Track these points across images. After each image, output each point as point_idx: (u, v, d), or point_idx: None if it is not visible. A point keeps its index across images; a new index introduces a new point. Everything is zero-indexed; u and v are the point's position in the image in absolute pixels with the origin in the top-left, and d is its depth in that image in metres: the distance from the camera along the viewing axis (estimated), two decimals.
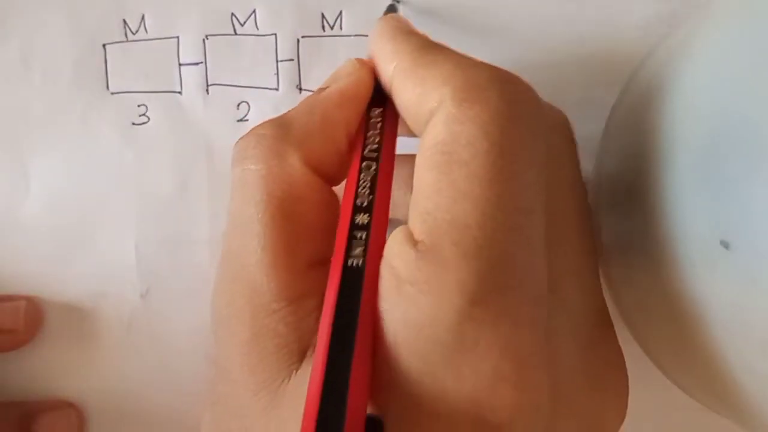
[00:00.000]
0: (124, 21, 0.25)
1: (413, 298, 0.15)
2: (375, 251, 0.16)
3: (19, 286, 0.25)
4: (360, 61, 0.20)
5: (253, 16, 0.25)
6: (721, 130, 0.17)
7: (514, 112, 0.16)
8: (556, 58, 0.25)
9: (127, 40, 0.25)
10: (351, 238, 0.17)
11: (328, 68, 0.25)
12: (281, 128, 0.19)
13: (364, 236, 0.17)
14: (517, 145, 0.16)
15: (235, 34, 0.25)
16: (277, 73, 0.25)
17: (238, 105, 0.25)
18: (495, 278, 0.15)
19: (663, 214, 0.19)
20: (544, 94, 0.25)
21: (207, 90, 0.25)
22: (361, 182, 0.18)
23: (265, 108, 0.25)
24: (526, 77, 0.25)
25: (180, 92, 0.25)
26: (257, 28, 0.25)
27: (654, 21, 0.24)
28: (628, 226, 0.20)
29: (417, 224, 0.16)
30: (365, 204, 0.18)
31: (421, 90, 0.18)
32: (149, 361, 0.25)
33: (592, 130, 0.24)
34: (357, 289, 0.16)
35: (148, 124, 0.25)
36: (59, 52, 0.25)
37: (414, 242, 0.16)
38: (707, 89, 0.18)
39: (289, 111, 0.20)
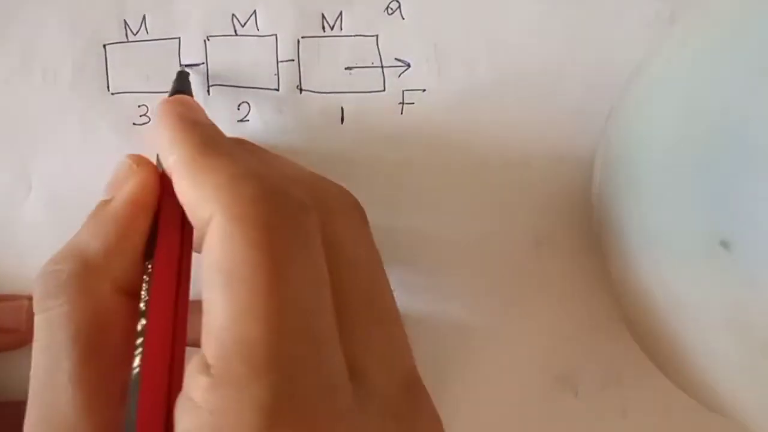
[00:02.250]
0: (125, 21, 0.25)
1: (214, 426, 0.15)
2: (151, 359, 0.17)
3: (19, 286, 0.25)
4: (136, 159, 0.20)
5: (253, 16, 0.25)
6: (720, 130, 0.17)
7: (283, 222, 0.17)
8: (556, 58, 0.25)
9: (128, 41, 0.25)
10: (135, 350, 0.17)
11: (328, 68, 0.25)
12: (78, 259, 0.18)
13: (140, 342, 0.17)
14: (291, 252, 0.17)
15: (236, 34, 0.25)
16: (278, 74, 0.25)
17: (239, 105, 0.25)
18: (290, 388, 0.15)
19: (663, 214, 0.19)
20: (544, 93, 0.25)
21: (208, 90, 0.25)
22: (144, 284, 0.18)
23: (265, 108, 0.25)
24: (526, 77, 0.25)
25: None
26: (258, 29, 0.25)
27: (654, 21, 0.24)
28: (627, 225, 0.20)
29: (208, 349, 0.16)
30: (143, 307, 0.18)
31: (195, 195, 0.18)
32: None
33: (591, 130, 0.25)
34: (134, 404, 0.16)
35: (149, 124, 0.25)
36: (60, 52, 0.25)
37: (206, 367, 0.16)
38: (707, 89, 0.18)
39: (77, 236, 0.19)
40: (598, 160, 0.23)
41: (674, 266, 0.18)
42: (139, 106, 0.25)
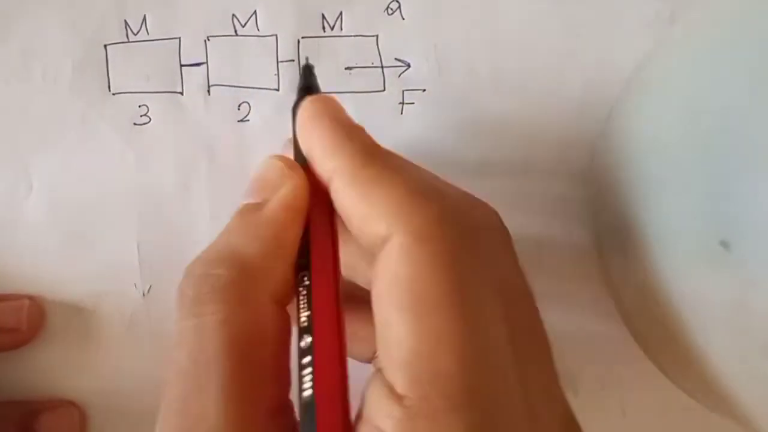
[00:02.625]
0: (126, 22, 0.25)
1: None
2: (324, 379, 0.16)
3: (20, 286, 0.25)
4: (287, 162, 0.19)
5: (253, 16, 0.25)
6: (720, 130, 0.17)
7: (469, 243, 0.16)
8: (556, 57, 0.25)
9: (129, 41, 0.25)
10: (300, 368, 0.16)
11: (328, 68, 0.25)
12: (236, 264, 0.17)
13: (309, 360, 0.16)
14: (479, 276, 0.16)
15: (236, 34, 0.25)
16: (278, 74, 0.25)
17: (239, 105, 0.25)
18: (485, 423, 0.15)
19: (663, 214, 0.19)
20: (544, 93, 0.25)
21: (208, 90, 0.25)
22: (300, 297, 0.17)
23: (265, 108, 0.25)
24: (525, 77, 0.25)
25: (181, 93, 0.25)
26: (258, 29, 0.25)
27: (654, 21, 0.24)
28: (628, 226, 0.20)
29: (397, 377, 0.15)
30: (305, 322, 0.17)
31: (367, 210, 0.17)
32: (150, 360, 0.25)
33: (591, 130, 0.24)
34: (310, 427, 0.15)
35: (150, 124, 0.25)
36: (60, 53, 0.25)
37: (398, 397, 0.15)
38: (707, 89, 0.18)
39: (228, 238, 0.18)
40: (598, 160, 0.23)
41: (674, 266, 0.18)
42: (139, 106, 0.25)
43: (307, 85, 0.22)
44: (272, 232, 0.18)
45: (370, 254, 0.17)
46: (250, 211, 0.19)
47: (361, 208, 0.17)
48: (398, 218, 0.16)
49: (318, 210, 0.19)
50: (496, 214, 0.19)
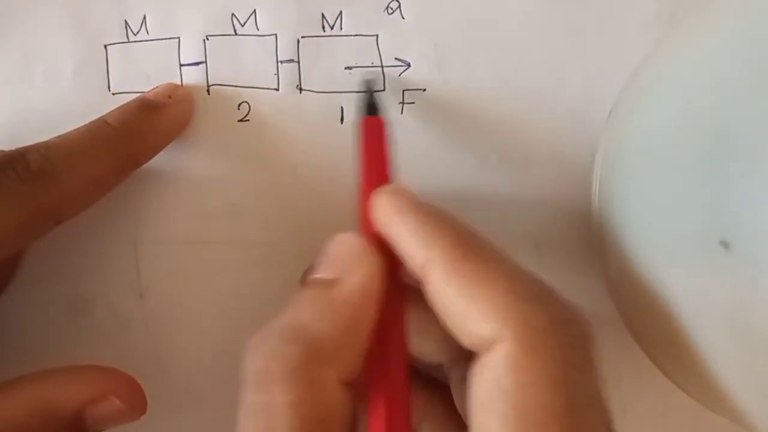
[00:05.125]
0: (126, 22, 0.25)
1: None
2: None
3: (20, 286, 0.25)
4: (364, 243, 0.19)
5: (253, 16, 0.25)
6: (720, 130, 0.17)
7: (578, 358, 0.16)
8: (556, 57, 0.25)
9: (129, 41, 0.25)
10: None
11: (328, 68, 0.25)
12: (308, 344, 0.17)
13: None
14: (585, 393, 0.16)
15: (236, 34, 0.25)
16: (278, 74, 0.25)
17: (239, 105, 0.25)
18: None
19: (663, 214, 0.19)
20: (544, 93, 0.25)
21: (208, 90, 0.25)
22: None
23: (265, 108, 0.25)
24: (526, 77, 0.25)
25: None
26: (257, 29, 0.25)
27: (654, 21, 0.24)
28: (628, 225, 0.20)
29: None
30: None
31: (469, 308, 0.17)
32: (146, 361, 0.25)
33: (590, 130, 0.24)
34: None
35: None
36: (61, 53, 0.25)
37: None
38: (707, 89, 0.18)
39: (298, 314, 0.18)
40: (598, 160, 0.23)
41: (674, 266, 0.18)
42: None
43: (369, 106, 0.22)
44: (348, 315, 0.18)
45: (465, 348, 0.17)
46: (323, 288, 0.18)
47: (462, 304, 0.17)
48: (506, 323, 0.16)
49: (391, 294, 0.18)
50: (589, 323, 0.19)
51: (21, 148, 0.21)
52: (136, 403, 0.21)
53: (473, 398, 0.16)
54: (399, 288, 0.19)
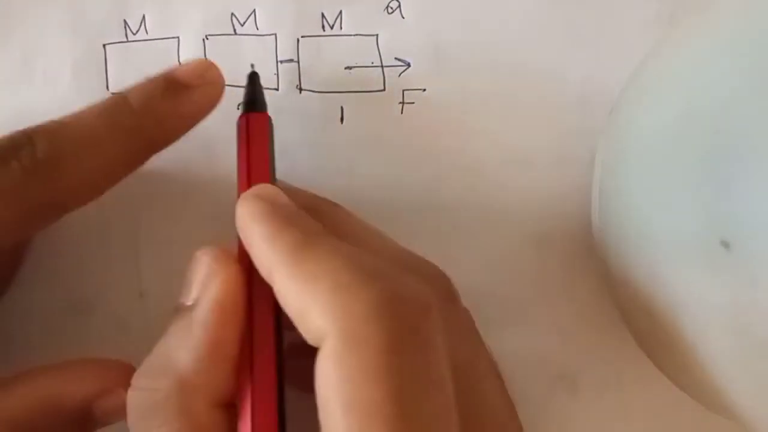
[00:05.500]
0: (125, 21, 0.25)
1: None
2: None
3: (20, 286, 0.25)
4: (214, 256, 0.19)
5: (253, 16, 0.25)
6: (720, 130, 0.17)
7: (404, 338, 0.16)
8: (556, 58, 0.25)
9: (128, 41, 0.25)
10: None
11: (328, 68, 0.25)
12: (171, 377, 0.17)
13: None
14: (417, 376, 0.16)
15: (235, 34, 0.25)
16: (277, 73, 0.25)
17: (239, 105, 0.25)
18: None
19: (663, 214, 0.19)
20: (544, 93, 0.25)
21: None
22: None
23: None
24: (526, 77, 0.25)
25: None
26: (257, 28, 0.25)
27: (654, 21, 0.24)
28: (628, 225, 0.20)
29: None
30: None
31: (303, 307, 0.16)
32: None
33: (591, 130, 0.24)
34: None
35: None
36: (60, 53, 0.25)
37: None
38: (707, 89, 0.18)
39: (165, 345, 0.18)
40: (598, 160, 0.23)
41: (674, 266, 0.18)
42: None
43: (251, 100, 0.22)
44: (205, 338, 0.18)
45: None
46: (181, 314, 0.18)
47: (296, 306, 0.17)
48: (329, 317, 0.16)
49: (262, 302, 0.18)
50: (449, 289, 0.19)
51: (28, 129, 0.20)
52: None
53: (318, 395, 0.16)
54: (268, 293, 0.18)
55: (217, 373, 0.18)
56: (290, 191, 0.20)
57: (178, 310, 0.19)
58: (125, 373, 0.20)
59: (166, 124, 0.21)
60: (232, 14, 0.25)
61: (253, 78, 0.23)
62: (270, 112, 0.25)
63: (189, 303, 0.18)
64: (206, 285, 0.18)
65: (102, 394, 0.20)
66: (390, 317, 0.16)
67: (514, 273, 0.25)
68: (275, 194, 0.19)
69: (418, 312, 0.16)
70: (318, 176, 0.25)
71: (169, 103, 0.21)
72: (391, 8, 0.25)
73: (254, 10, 0.25)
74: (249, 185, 0.20)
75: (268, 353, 0.18)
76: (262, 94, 0.22)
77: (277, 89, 0.25)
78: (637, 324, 0.22)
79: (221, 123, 0.25)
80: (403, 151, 0.25)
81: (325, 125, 0.25)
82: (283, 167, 0.25)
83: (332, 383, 0.15)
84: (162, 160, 0.25)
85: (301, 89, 0.25)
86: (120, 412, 0.20)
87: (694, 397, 0.22)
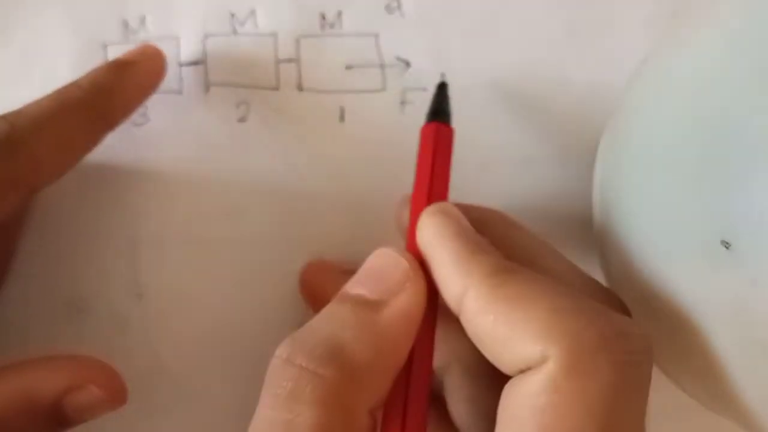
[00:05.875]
0: (125, 21, 0.25)
1: None
2: None
3: (17, 286, 0.25)
4: (414, 264, 0.18)
5: (252, 16, 0.25)
6: (720, 130, 0.17)
7: (625, 380, 0.15)
8: (556, 57, 0.25)
9: (128, 41, 0.25)
10: None
11: (328, 67, 0.25)
12: (344, 368, 0.16)
13: None
14: (629, 416, 0.15)
15: (235, 33, 0.25)
16: (278, 73, 0.25)
17: (238, 105, 0.25)
18: None
19: (663, 214, 0.19)
20: (545, 93, 0.25)
21: (207, 90, 0.25)
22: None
23: (265, 108, 0.25)
24: (526, 76, 0.25)
25: (180, 92, 0.25)
26: (257, 28, 0.25)
27: (654, 21, 0.24)
28: (628, 225, 0.20)
29: None
30: None
31: (509, 333, 0.16)
32: (145, 362, 0.25)
33: (591, 130, 0.24)
34: None
35: (148, 124, 0.25)
36: (60, 53, 0.25)
37: None
38: (707, 89, 0.18)
39: (338, 331, 0.17)
40: (599, 160, 0.23)
41: (675, 266, 0.18)
42: None
43: (437, 110, 0.21)
44: (390, 343, 0.17)
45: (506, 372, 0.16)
46: (365, 309, 0.17)
47: (503, 331, 0.16)
48: (552, 341, 0.15)
49: (426, 320, 0.18)
50: (645, 336, 0.17)
51: None
52: (116, 392, 0.21)
53: (505, 410, 0.16)
54: (433, 314, 0.18)
55: (384, 378, 0.17)
56: (463, 208, 0.20)
57: (354, 301, 0.18)
58: (97, 369, 0.20)
59: (114, 96, 0.22)
60: (232, 14, 0.25)
61: (442, 88, 0.22)
62: (270, 111, 0.25)
63: (373, 297, 0.18)
64: (400, 289, 0.18)
65: (73, 389, 0.20)
66: (617, 352, 0.15)
67: None
68: (459, 215, 0.19)
69: (642, 352, 0.16)
70: (318, 176, 0.25)
71: (114, 79, 0.23)
72: (392, 8, 0.25)
73: (254, 10, 0.25)
74: (429, 199, 0.20)
75: (425, 372, 0.18)
76: (449, 105, 0.22)
77: (277, 89, 0.25)
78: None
79: (221, 123, 0.25)
80: (403, 151, 0.25)
81: (325, 124, 0.25)
82: (283, 167, 0.25)
83: (537, 407, 0.15)
84: (162, 160, 0.25)
85: (301, 88, 0.25)
86: (94, 409, 0.20)
87: (695, 397, 0.22)
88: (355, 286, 0.18)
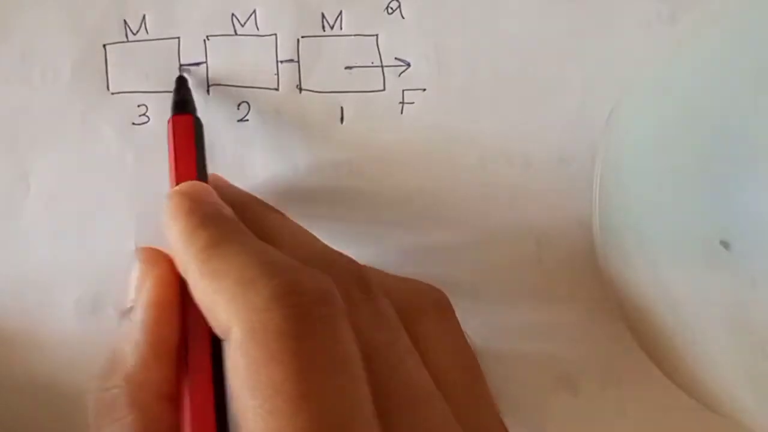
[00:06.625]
0: (125, 21, 0.25)
1: None
2: None
3: (18, 286, 0.25)
4: (146, 256, 0.20)
5: (253, 16, 0.25)
6: (720, 130, 0.17)
7: (301, 324, 0.17)
8: (556, 58, 0.25)
9: (128, 41, 0.25)
10: None
11: (328, 68, 0.25)
12: (120, 376, 0.19)
13: None
14: (316, 357, 0.16)
15: (236, 34, 0.25)
16: (278, 74, 0.25)
17: (239, 105, 0.25)
18: None
19: (663, 214, 0.19)
20: (544, 93, 0.25)
21: (207, 90, 0.25)
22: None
23: (265, 108, 0.25)
24: (526, 77, 0.25)
25: None
26: (257, 29, 0.25)
27: (654, 21, 0.24)
28: (628, 225, 0.20)
29: None
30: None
31: (209, 303, 0.18)
32: None
33: (591, 130, 0.24)
34: None
35: (149, 124, 0.25)
36: (59, 52, 0.25)
37: None
38: (707, 89, 0.18)
39: (115, 347, 0.19)
40: (599, 160, 0.23)
41: (674, 266, 0.18)
42: (138, 106, 0.25)
43: (179, 101, 0.23)
44: (144, 336, 0.19)
45: None
46: (125, 316, 0.20)
47: (205, 302, 0.18)
48: (231, 310, 0.17)
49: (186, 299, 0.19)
50: (362, 279, 0.20)
51: None
52: None
53: (228, 374, 0.17)
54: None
55: (160, 368, 0.19)
56: (224, 188, 0.22)
57: (120, 315, 0.20)
58: None
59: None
60: (233, 14, 0.25)
61: (181, 81, 0.24)
62: (270, 112, 0.25)
63: (129, 305, 0.20)
64: (140, 286, 0.20)
65: None
66: (287, 306, 0.17)
67: (514, 273, 0.25)
68: (201, 191, 0.21)
69: (317, 300, 0.17)
70: (318, 176, 0.25)
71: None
72: (392, 8, 0.25)
73: (254, 11, 0.25)
74: (177, 183, 0.21)
75: (203, 346, 0.19)
76: (190, 95, 0.23)
77: (277, 89, 0.25)
78: (637, 324, 0.22)
79: (221, 124, 0.25)
80: (403, 151, 0.25)
81: (325, 125, 0.25)
82: (283, 167, 0.25)
83: (239, 371, 0.16)
84: (162, 160, 0.25)
85: (301, 89, 0.25)
86: None
87: (694, 397, 0.22)
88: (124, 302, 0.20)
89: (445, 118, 0.25)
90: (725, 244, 0.16)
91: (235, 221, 0.20)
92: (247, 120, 0.25)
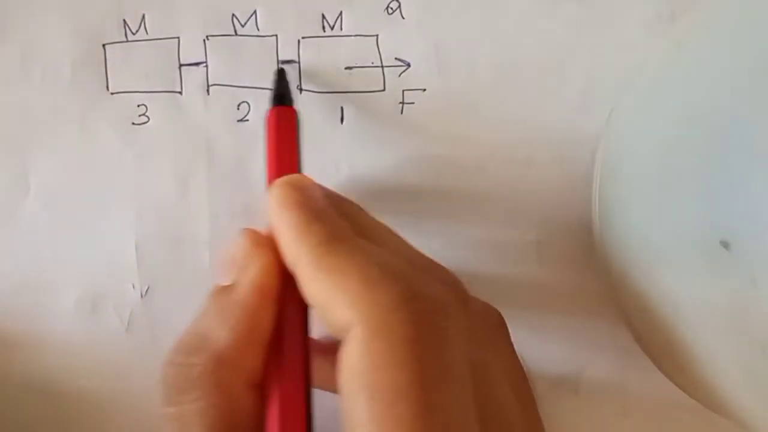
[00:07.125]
0: (125, 21, 0.25)
1: None
2: None
3: (17, 285, 0.25)
4: (254, 239, 0.19)
5: (253, 16, 0.25)
6: (720, 130, 0.17)
7: (428, 332, 0.16)
8: (556, 58, 0.25)
9: (128, 41, 0.25)
10: None
11: (328, 68, 0.25)
12: (210, 352, 0.18)
13: None
14: (439, 369, 0.16)
15: (236, 34, 0.25)
16: None
17: (239, 105, 0.25)
18: None
19: (663, 214, 0.19)
20: (544, 93, 0.25)
21: (207, 90, 0.25)
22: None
23: (265, 108, 0.25)
24: (526, 77, 0.25)
25: (180, 92, 0.25)
26: (258, 29, 0.25)
27: (654, 21, 0.24)
28: (628, 225, 0.20)
29: None
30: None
31: (327, 300, 0.17)
32: (149, 361, 0.25)
33: (591, 130, 0.25)
34: None
35: (148, 124, 0.25)
36: (59, 52, 0.25)
37: None
38: (706, 89, 0.18)
39: (201, 322, 0.19)
40: (598, 160, 0.23)
41: (674, 266, 0.18)
42: (138, 106, 0.25)
43: (279, 94, 0.22)
44: (243, 318, 0.18)
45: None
46: (221, 294, 0.19)
47: (323, 298, 0.17)
48: (356, 308, 0.16)
49: (291, 287, 0.18)
50: (464, 293, 0.20)
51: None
52: None
53: (341, 373, 0.17)
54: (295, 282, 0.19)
55: (253, 354, 0.18)
56: (319, 187, 0.21)
57: (214, 291, 0.19)
58: None
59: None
60: (233, 15, 0.25)
61: (282, 74, 0.23)
62: None
63: (227, 284, 0.19)
64: (245, 267, 0.19)
65: None
66: (413, 311, 0.16)
67: (514, 272, 0.25)
68: (308, 185, 0.20)
69: (441, 309, 0.17)
70: (318, 176, 0.25)
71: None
72: (391, 9, 0.25)
73: (255, 11, 0.25)
74: (279, 174, 0.20)
75: (297, 341, 0.18)
76: (289, 89, 0.23)
77: None
78: (637, 324, 0.22)
79: (220, 123, 0.25)
80: (403, 151, 0.25)
81: (325, 125, 0.25)
82: None
83: (357, 370, 0.16)
84: (162, 160, 0.25)
85: (301, 89, 0.25)
86: None
87: (694, 397, 0.22)
88: (219, 279, 0.19)
89: (445, 118, 0.25)
90: (725, 244, 0.16)
91: (343, 222, 0.19)
92: (247, 120, 0.25)
